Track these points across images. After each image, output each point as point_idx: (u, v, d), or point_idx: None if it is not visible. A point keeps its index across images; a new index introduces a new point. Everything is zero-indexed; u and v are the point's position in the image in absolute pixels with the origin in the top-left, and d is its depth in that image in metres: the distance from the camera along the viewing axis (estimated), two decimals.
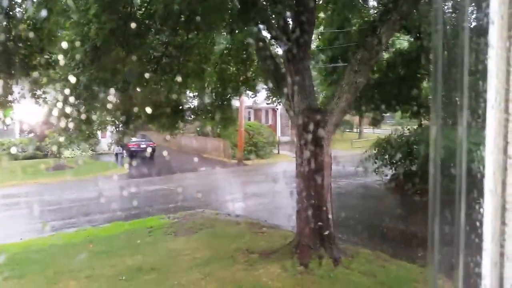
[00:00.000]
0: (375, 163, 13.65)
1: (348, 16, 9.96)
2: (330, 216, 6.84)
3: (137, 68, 7.53)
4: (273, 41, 7.98)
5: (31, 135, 23.93)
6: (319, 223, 6.72)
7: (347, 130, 27.92)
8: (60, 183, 17.75)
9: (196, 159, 23.97)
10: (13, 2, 5.98)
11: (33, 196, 15.47)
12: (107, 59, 6.46)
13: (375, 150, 13.80)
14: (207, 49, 8.60)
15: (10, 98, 7.05)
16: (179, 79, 7.97)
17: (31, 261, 7.49)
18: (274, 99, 12.43)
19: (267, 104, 16.93)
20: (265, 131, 24.28)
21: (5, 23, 5.68)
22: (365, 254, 7.19)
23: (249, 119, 28.54)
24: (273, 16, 6.52)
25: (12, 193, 15.61)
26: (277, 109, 32.32)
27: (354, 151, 21.56)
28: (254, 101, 18.17)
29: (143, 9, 6.86)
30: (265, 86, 11.40)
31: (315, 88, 8.47)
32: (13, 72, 6.52)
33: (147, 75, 7.77)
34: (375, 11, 9.48)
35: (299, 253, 6.78)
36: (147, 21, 6.82)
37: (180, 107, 9.66)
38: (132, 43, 6.53)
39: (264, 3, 6.42)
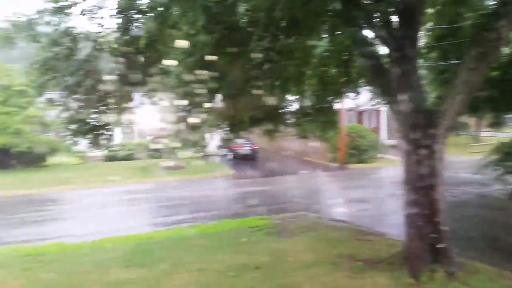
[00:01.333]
0: (497, 170, 12.16)
1: (460, 10, 9.05)
2: (443, 226, 6.28)
3: (240, 75, 7.84)
4: (377, 41, 7.63)
5: (149, 137, 26.55)
6: (431, 234, 6.22)
7: (463, 134, 25.34)
8: (173, 182, 19.38)
9: (296, 162, 24.12)
10: (131, 19, 6.67)
11: (151, 193, 17.13)
12: (214, 67, 6.85)
13: (496, 155, 12.29)
14: (306, 53, 8.58)
15: (131, 105, 7.94)
16: (279, 83, 8.10)
17: (150, 252, 8.27)
18: (378, 100, 11.87)
19: (371, 106, 16.26)
20: (368, 134, 23.35)
21: (127, 37, 6.40)
22: (486, 271, 6.45)
23: (351, 121, 27.73)
24: (377, 15, 6.24)
25: (133, 190, 17.49)
26: (381, 111, 30.87)
27: (470, 156, 19.61)
28: (357, 103, 17.60)
29: (246, 18, 7.13)
30: (368, 87, 10.94)
31: (424, 88, 7.88)
32: (133, 81, 7.32)
33: (250, 81, 8.04)
34: (492, 4, 8.47)
35: (409, 265, 6.35)
36: (249, 29, 7.07)
37: (281, 111, 9.80)
38: (236, 51, 6.83)
39: (367, 2, 6.18)
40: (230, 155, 25.42)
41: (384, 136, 30.57)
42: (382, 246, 7.96)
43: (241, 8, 5.64)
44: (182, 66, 6.30)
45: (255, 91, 8.73)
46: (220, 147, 25.65)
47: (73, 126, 7.11)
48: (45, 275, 7.08)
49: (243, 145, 24.79)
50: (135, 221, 12.06)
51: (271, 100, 8.90)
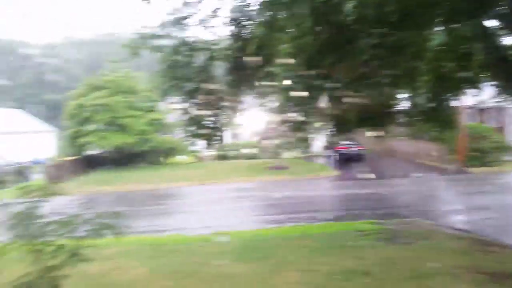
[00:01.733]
0: None
1: None
2: None
3: (347, 73, 7.69)
4: (503, 31, 6.81)
5: (257, 138, 27.56)
6: None
7: None
8: (278, 181, 19.80)
9: (408, 165, 22.70)
10: (242, 26, 7.00)
11: (256, 191, 17.76)
12: (321, 67, 6.84)
13: None
14: (419, 47, 8.03)
15: (241, 107, 8.37)
16: (389, 80, 7.73)
17: (256, 248, 8.58)
18: (503, 97, 10.53)
19: (494, 103, 14.50)
20: (492, 134, 20.90)
21: (238, 43, 6.75)
22: None
23: (472, 120, 25.10)
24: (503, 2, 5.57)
25: (240, 188, 18.33)
26: (507, 108, 27.31)
27: None
28: (478, 100, 15.87)
29: (354, 15, 6.97)
30: (492, 83, 9.80)
31: None
32: (243, 85, 7.70)
33: (357, 80, 7.83)
34: None
35: None
36: (357, 26, 6.89)
37: (391, 110, 9.34)
38: (343, 49, 6.72)
39: None
40: (336, 156, 24.98)
41: (510, 137, 27.06)
42: (509, 259, 7.09)
43: (349, 5, 5.54)
44: (288, 68, 6.44)
45: (363, 90, 8.49)
46: (325, 147, 25.48)
47: (191, 128, 7.73)
48: (166, 263, 7.82)
49: (349, 146, 24.13)
50: (241, 217, 12.63)
51: (379, 99, 8.56)
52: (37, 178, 22.23)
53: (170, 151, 27.55)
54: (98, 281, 6.62)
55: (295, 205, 14.26)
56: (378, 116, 8.94)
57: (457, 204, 13.24)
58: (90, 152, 26.44)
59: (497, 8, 5.71)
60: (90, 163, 25.52)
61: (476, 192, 15.24)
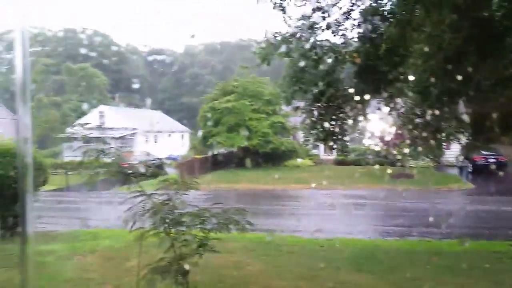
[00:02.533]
0: None
1: None
2: None
3: (491, 74, 6.86)
4: None
5: (381, 144, 26.22)
6: None
7: None
8: (402, 191, 18.54)
9: None
10: (373, 27, 6.74)
11: (377, 199, 16.93)
12: (459, 68, 6.21)
13: None
14: None
15: (367, 111, 8.06)
16: None
17: (379, 260, 8.16)
18: None
19: None
20: None
21: (368, 45, 6.52)
22: None
23: None
24: None
25: (359, 195, 17.71)
26: None
27: None
28: None
29: (502, 10, 6.16)
30: None
31: None
32: (370, 88, 7.40)
33: (502, 82, 6.93)
34: None
35: None
36: (505, 22, 6.09)
37: None
38: (487, 48, 6.00)
39: None
40: (472, 167, 22.27)
41: None
42: None
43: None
44: (423, 70, 5.97)
45: (509, 93, 7.47)
46: (460, 157, 23.07)
47: (314, 132, 7.74)
48: (282, 263, 7.93)
49: (488, 156, 21.29)
50: (359, 225, 12.20)
51: None
52: (172, 173, 24.77)
53: (291, 154, 28.07)
54: (218, 273, 7.01)
55: (419, 218, 13.20)
56: None
57: None
58: (218, 151, 28.52)
59: None
60: (217, 162, 27.50)
61: None
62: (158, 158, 28.65)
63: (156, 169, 23.71)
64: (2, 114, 32.29)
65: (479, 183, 19.37)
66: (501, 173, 20.81)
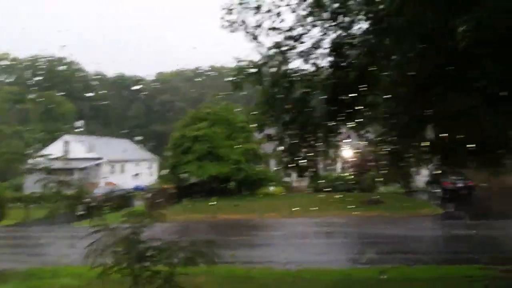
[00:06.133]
0: None
1: None
2: None
3: (456, 103, 7.00)
4: None
5: (352, 170, 26.44)
6: None
7: None
8: (372, 217, 18.58)
9: None
10: (343, 55, 6.79)
11: (347, 227, 16.86)
12: (427, 96, 6.31)
13: None
14: None
15: (337, 138, 8.05)
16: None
17: None
18: None
19: None
20: None
21: (338, 73, 6.56)
22: None
23: None
24: None
25: (330, 222, 17.57)
26: None
27: None
28: None
29: (466, 40, 6.36)
30: None
31: None
32: (340, 116, 7.40)
33: (470, 108, 7.08)
34: None
35: None
36: (469, 52, 6.26)
37: (509, 144, 8.25)
38: (453, 77, 6.13)
39: None
40: (440, 192, 22.61)
41: None
42: None
43: (461, 29, 5.02)
44: (392, 98, 6.04)
45: (474, 120, 7.65)
46: (428, 182, 23.41)
47: (286, 159, 7.63)
48: None
49: (456, 181, 21.72)
50: (330, 254, 11.99)
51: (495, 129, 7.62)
52: (138, 204, 23.95)
53: (262, 181, 27.81)
54: None
55: (389, 244, 13.09)
56: (495, 147, 7.96)
57: None
58: (187, 180, 27.88)
59: None
60: (187, 191, 26.83)
61: None
62: (124, 189, 27.78)
63: (121, 200, 22.89)
64: None
65: (448, 207, 19.68)
66: (467, 198, 21.28)
